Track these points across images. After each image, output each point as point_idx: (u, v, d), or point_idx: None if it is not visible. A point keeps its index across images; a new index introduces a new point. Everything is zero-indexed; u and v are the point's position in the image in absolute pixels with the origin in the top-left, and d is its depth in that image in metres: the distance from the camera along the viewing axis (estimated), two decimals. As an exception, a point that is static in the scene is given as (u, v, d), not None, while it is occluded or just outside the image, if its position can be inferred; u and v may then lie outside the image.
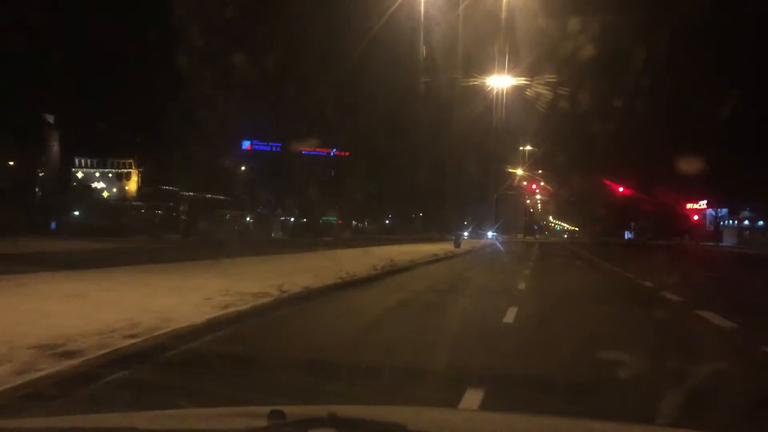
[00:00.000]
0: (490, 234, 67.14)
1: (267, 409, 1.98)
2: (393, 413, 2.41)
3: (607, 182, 58.04)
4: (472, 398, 4.32)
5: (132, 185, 69.51)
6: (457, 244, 32.94)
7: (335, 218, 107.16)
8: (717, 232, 64.03)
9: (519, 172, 71.63)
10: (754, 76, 67.25)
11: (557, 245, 51.55)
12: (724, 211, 69.62)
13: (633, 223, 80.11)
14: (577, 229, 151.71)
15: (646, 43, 36.48)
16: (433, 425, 2.28)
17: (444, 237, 71.76)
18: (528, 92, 30.70)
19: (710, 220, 69.76)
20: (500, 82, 30.95)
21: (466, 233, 79.81)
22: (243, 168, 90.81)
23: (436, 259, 22.99)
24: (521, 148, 65.30)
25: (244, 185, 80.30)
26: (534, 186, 47.88)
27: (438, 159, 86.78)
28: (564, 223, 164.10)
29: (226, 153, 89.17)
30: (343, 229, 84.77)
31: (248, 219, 79.73)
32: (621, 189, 53.25)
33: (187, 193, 74.13)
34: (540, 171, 57.63)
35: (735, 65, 72.85)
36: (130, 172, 69.61)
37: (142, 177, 69.74)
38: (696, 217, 72.51)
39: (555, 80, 29.19)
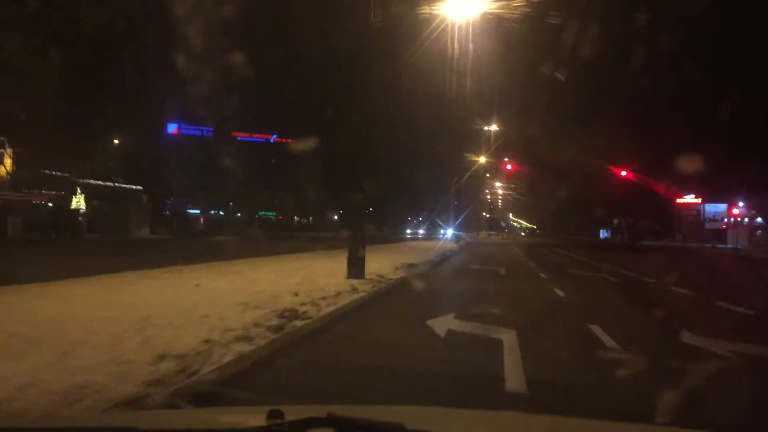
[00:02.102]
0: (450, 233, 55.59)
1: (266, 408, 1.95)
2: (392, 413, 2.46)
3: (609, 166, 46.62)
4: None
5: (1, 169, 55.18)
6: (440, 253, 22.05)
7: (273, 213, 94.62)
8: (719, 232, 53.69)
9: (482, 159, 59.66)
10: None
11: (542, 248, 39.91)
12: (722, 207, 59.56)
13: (616, 220, 69.16)
14: (535, 227, 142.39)
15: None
16: (432, 425, 2.21)
17: (397, 235, 59.80)
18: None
19: (716, 216, 59.66)
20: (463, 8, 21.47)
21: (421, 231, 68.45)
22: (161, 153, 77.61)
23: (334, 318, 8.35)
24: (486, 128, 52.55)
25: (156, 172, 66.54)
26: (509, 166, 35.79)
27: (391, 146, 75.33)
28: (522, 220, 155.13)
29: (145, 136, 76.40)
30: (248, 226, 71.84)
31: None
32: (624, 173, 41.99)
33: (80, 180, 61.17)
34: (507, 161, 45.59)
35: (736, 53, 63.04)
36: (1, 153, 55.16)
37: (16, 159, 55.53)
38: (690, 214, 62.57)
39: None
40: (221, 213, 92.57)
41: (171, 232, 42.85)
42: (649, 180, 46.59)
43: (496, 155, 49.49)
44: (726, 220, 57.04)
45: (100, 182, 61.35)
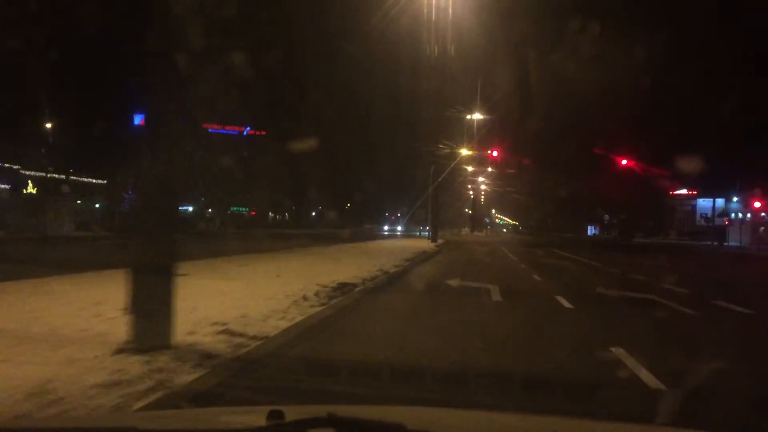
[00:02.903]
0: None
1: (266, 408, 1.94)
2: (393, 413, 2.44)
3: (607, 154, 42.49)
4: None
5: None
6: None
7: (246, 209, 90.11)
8: (719, 229, 50.16)
9: (464, 152, 55.30)
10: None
11: (534, 249, 33.02)
12: (719, 201, 56.03)
13: (606, 216, 65.35)
14: (517, 223, 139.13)
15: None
16: (433, 425, 2.15)
17: (375, 233, 55.87)
18: None
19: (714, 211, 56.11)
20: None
21: (400, 228, 64.47)
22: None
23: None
24: (468, 117, 48.31)
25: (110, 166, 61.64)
26: (495, 153, 31.73)
27: (367, 141, 71.31)
28: (504, 217, 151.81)
29: (110, 127, 71.44)
30: (209, 222, 67.20)
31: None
32: (624, 162, 38.23)
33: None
34: (493, 148, 41.48)
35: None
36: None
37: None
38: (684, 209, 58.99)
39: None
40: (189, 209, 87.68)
41: (112, 230, 38.09)
42: (652, 169, 42.95)
43: (481, 145, 45.37)
44: (733, 215, 53.47)
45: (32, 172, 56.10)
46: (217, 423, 2.29)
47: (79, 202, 56.70)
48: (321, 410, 1.89)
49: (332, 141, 64.87)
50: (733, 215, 55.30)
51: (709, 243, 47.23)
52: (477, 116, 48.69)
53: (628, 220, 57.99)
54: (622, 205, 58.36)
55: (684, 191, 62.14)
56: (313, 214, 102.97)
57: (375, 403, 3.78)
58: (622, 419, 3.02)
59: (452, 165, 54.54)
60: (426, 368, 5.37)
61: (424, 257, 19.21)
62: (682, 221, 61.61)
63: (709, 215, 55.51)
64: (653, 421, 3.71)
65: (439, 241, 32.55)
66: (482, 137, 48.43)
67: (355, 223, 77.61)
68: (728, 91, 53.99)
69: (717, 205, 54.65)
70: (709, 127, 47.61)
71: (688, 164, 42.75)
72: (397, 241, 33.08)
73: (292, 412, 1.94)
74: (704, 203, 58.65)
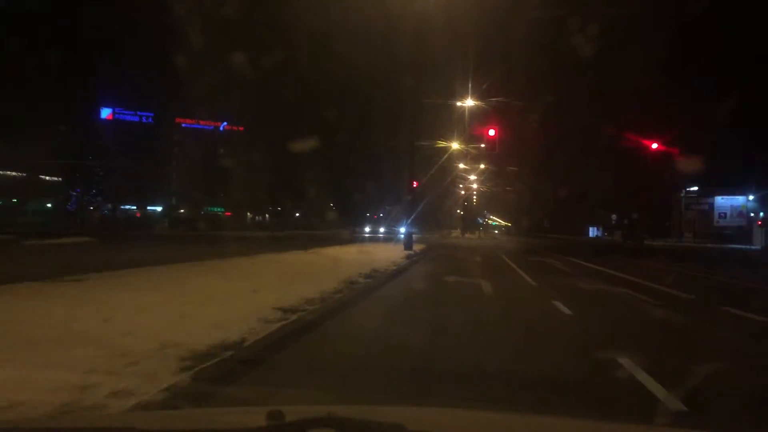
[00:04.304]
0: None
1: (266, 408, 1.88)
2: (393, 413, 2.43)
3: (635, 137, 36.09)
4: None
5: None
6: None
7: (221, 208, 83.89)
8: (740, 230, 44.31)
9: (454, 145, 49.39)
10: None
11: (546, 259, 24.37)
12: (739, 199, 50.11)
13: (614, 216, 58.61)
14: (510, 224, 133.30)
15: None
16: (433, 425, 2.17)
17: (355, 234, 50.05)
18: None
19: (732, 211, 50.40)
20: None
21: (382, 229, 58.66)
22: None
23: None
24: (459, 103, 41.92)
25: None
26: (492, 132, 25.24)
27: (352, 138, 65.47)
28: (497, 218, 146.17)
29: (73, 122, 65.30)
30: (157, 222, 61.06)
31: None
32: (655, 146, 32.10)
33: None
34: (490, 131, 35.13)
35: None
36: None
37: None
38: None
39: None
40: (157, 209, 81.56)
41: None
42: (692, 156, 36.71)
43: (474, 138, 39.15)
44: (752, 215, 47.49)
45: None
46: (216, 423, 2.22)
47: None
48: (321, 410, 1.88)
49: (315, 138, 58.84)
50: (752, 214, 49.51)
51: (739, 246, 41.13)
52: (470, 103, 42.19)
53: (640, 220, 51.88)
54: (631, 203, 52.28)
55: (694, 188, 56.29)
56: (297, 215, 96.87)
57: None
58: None
59: (441, 161, 48.89)
60: None
61: (377, 281, 11.76)
62: (693, 222, 55.34)
63: (728, 214, 49.79)
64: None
65: (417, 247, 25.34)
66: (477, 124, 42.38)
67: (338, 224, 71.80)
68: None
69: (736, 203, 48.88)
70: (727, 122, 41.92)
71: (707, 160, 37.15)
72: (366, 246, 25.87)
73: (292, 413, 1.89)
74: (723, 201, 52.63)
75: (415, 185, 25.16)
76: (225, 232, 43.37)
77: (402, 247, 23.53)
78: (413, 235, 28.70)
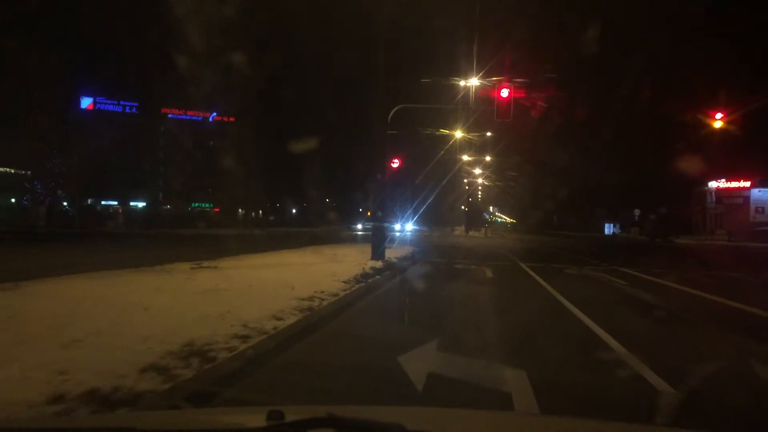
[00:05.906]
0: (410, 227, 39.78)
1: (266, 408, 1.88)
2: (392, 413, 2.40)
3: (701, 110, 30.74)
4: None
5: None
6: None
7: (210, 204, 78.93)
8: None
9: (458, 134, 44.76)
10: None
11: (581, 268, 16.90)
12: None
13: (637, 211, 52.81)
14: (515, 221, 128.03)
15: None
16: (432, 425, 2.14)
17: (349, 231, 45.22)
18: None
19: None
20: None
21: (359, 226, 54.10)
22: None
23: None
24: (462, 83, 35.91)
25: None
26: (505, 91, 19.31)
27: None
28: (503, 214, 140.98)
29: (49, 112, 60.30)
30: (117, 219, 55.88)
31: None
32: (719, 116, 26.92)
33: None
34: (503, 90, 29.52)
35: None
36: None
37: None
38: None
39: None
40: (140, 205, 76.70)
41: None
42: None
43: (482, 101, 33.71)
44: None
45: None
46: (216, 423, 2.22)
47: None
48: (321, 410, 1.87)
49: (310, 132, 53.68)
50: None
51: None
52: (474, 82, 36.39)
53: (669, 216, 46.29)
54: (648, 197, 46.80)
55: (722, 181, 50.62)
56: (294, 211, 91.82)
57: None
58: None
59: (441, 153, 43.88)
60: None
61: (326, 317, 6.87)
62: (720, 216, 49.08)
63: (765, 209, 44.22)
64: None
65: (399, 252, 17.66)
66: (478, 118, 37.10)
67: (337, 222, 66.99)
68: None
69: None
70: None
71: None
72: (340, 248, 19.33)
73: (292, 413, 1.89)
74: (760, 194, 46.69)
75: (396, 165, 19.49)
76: (202, 230, 38.72)
77: (400, 245, 17.22)
78: (407, 234, 23.08)
